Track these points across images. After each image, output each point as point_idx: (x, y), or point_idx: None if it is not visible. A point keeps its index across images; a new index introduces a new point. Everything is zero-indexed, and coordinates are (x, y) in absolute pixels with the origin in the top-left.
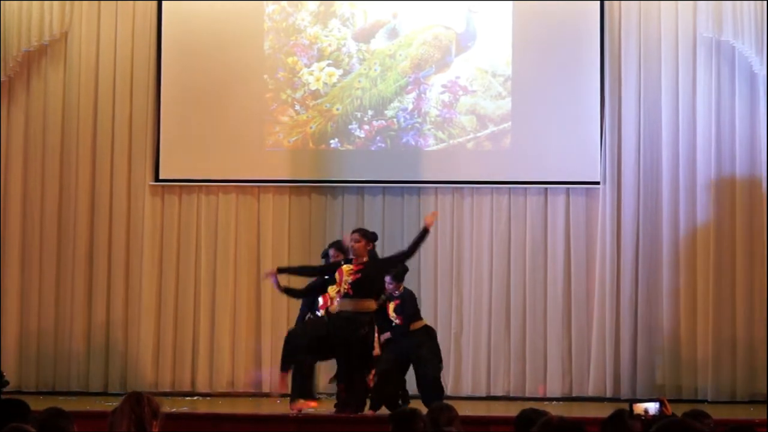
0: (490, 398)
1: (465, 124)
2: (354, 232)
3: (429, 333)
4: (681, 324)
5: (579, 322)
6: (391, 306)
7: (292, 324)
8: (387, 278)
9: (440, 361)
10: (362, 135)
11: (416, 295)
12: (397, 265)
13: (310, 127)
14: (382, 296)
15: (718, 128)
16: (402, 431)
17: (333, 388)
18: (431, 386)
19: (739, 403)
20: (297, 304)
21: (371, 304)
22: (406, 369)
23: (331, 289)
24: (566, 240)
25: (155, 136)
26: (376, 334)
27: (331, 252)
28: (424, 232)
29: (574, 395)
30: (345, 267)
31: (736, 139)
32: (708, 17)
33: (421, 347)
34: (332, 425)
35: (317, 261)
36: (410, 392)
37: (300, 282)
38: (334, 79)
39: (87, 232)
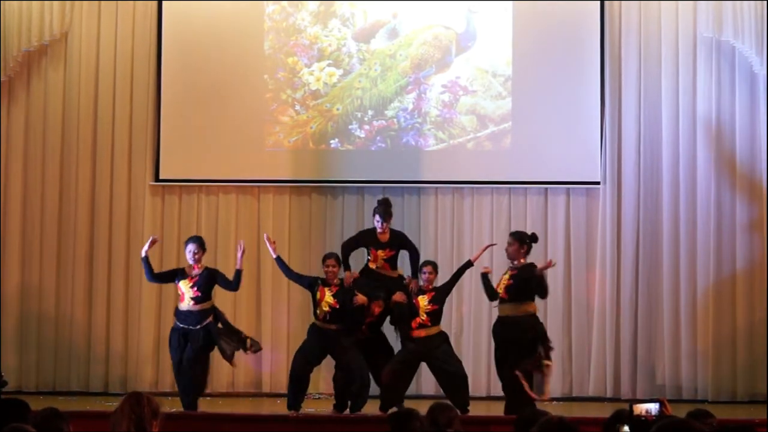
0: (490, 398)
1: (465, 124)
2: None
3: (444, 336)
4: (681, 324)
5: (579, 322)
6: (425, 299)
7: (292, 324)
8: (427, 267)
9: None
10: (362, 135)
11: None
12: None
13: (311, 127)
14: (413, 289)
15: (718, 128)
16: (399, 431)
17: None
18: (463, 383)
19: (739, 403)
20: (296, 303)
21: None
22: (416, 370)
23: (183, 283)
24: (566, 240)
25: (155, 136)
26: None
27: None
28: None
29: (574, 395)
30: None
31: (736, 139)
32: (708, 17)
33: (439, 348)
34: (332, 425)
35: (317, 260)
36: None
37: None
38: (335, 79)
39: (87, 232)
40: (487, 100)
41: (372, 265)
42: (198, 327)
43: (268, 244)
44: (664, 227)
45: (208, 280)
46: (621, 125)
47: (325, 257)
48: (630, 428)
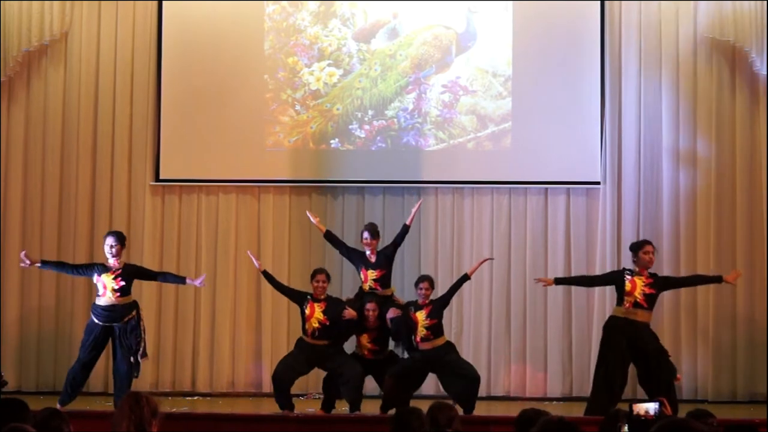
0: (490, 398)
1: (465, 124)
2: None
3: (451, 346)
4: (681, 324)
5: (579, 322)
6: (422, 314)
7: (292, 324)
8: (424, 284)
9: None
10: (363, 135)
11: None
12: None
13: (311, 127)
14: (410, 306)
15: (718, 128)
16: (400, 430)
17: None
18: (476, 387)
19: (739, 403)
20: (296, 305)
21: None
22: (423, 379)
23: (105, 276)
24: (566, 240)
25: (155, 136)
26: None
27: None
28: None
29: (574, 395)
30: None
31: (736, 139)
32: (708, 17)
33: (448, 354)
34: (332, 425)
35: (317, 261)
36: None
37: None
38: (335, 79)
39: (87, 232)
40: (487, 100)
41: (365, 287)
42: (122, 322)
43: (253, 259)
44: (664, 227)
45: (129, 275)
46: (621, 125)
47: (315, 272)
48: (629, 428)
